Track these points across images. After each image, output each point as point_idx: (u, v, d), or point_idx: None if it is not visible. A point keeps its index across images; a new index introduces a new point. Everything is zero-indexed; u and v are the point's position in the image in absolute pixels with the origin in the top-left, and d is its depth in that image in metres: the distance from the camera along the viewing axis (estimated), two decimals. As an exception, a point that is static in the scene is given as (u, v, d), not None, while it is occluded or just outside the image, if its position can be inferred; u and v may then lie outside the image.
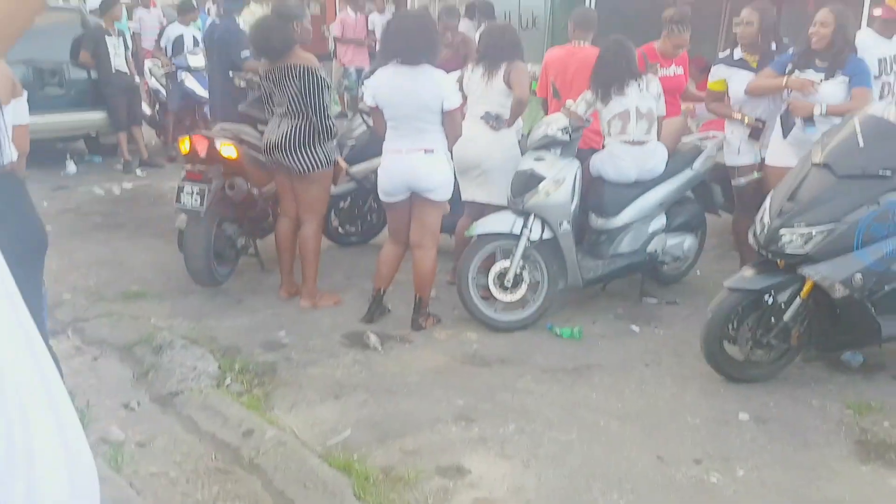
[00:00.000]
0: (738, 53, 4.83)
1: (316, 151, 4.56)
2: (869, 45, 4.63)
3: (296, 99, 4.51)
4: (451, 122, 4.26)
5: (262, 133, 5.39)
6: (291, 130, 4.53)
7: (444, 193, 4.34)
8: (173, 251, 5.30)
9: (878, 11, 6.52)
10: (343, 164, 5.17)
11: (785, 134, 4.44)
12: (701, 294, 4.90)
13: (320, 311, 4.77)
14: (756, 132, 4.74)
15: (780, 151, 4.53)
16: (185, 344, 4.21)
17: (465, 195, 4.84)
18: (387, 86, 4.22)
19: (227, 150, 4.80)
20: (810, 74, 4.36)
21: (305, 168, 4.57)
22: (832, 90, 4.30)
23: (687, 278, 5.29)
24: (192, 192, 4.65)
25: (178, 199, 4.70)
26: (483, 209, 4.74)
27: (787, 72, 4.45)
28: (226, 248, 4.99)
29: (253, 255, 5.34)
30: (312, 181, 4.65)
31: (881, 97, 4.65)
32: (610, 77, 4.68)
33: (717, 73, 4.93)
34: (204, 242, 4.73)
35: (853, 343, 3.85)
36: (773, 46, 4.74)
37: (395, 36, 4.23)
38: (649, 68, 5.16)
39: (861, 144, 3.54)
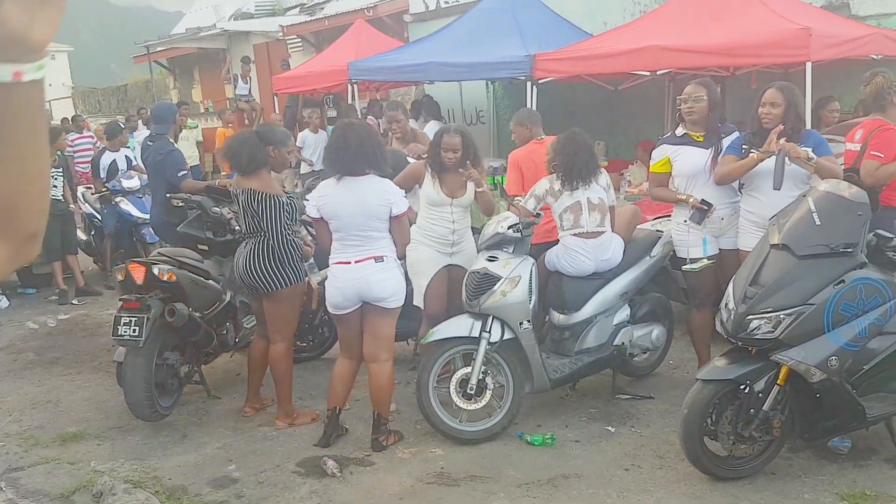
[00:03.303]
0: (680, 130, 4.59)
1: (281, 269, 4.43)
2: None
3: (254, 222, 4.45)
4: (398, 228, 4.15)
5: (202, 252, 5.22)
6: (254, 250, 4.45)
7: (397, 301, 4.17)
8: (112, 385, 5.02)
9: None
10: (314, 284, 5.01)
11: (777, 185, 4.04)
12: (677, 387, 4.72)
13: (272, 440, 4.46)
14: (698, 214, 4.40)
15: (749, 234, 4.25)
16: (127, 488, 3.91)
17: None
18: (331, 198, 4.10)
19: (166, 274, 4.56)
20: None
21: (270, 286, 4.43)
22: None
23: (659, 370, 5.11)
24: (130, 323, 4.41)
25: (114, 332, 4.44)
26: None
27: (742, 153, 4.26)
28: (168, 378, 4.68)
29: (198, 383, 5.03)
30: (279, 299, 4.49)
31: None
32: (576, 168, 4.57)
33: (661, 152, 4.62)
34: (144, 374, 4.46)
35: (839, 428, 3.66)
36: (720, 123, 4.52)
37: (339, 148, 4.13)
38: None
39: (818, 223, 3.47)
